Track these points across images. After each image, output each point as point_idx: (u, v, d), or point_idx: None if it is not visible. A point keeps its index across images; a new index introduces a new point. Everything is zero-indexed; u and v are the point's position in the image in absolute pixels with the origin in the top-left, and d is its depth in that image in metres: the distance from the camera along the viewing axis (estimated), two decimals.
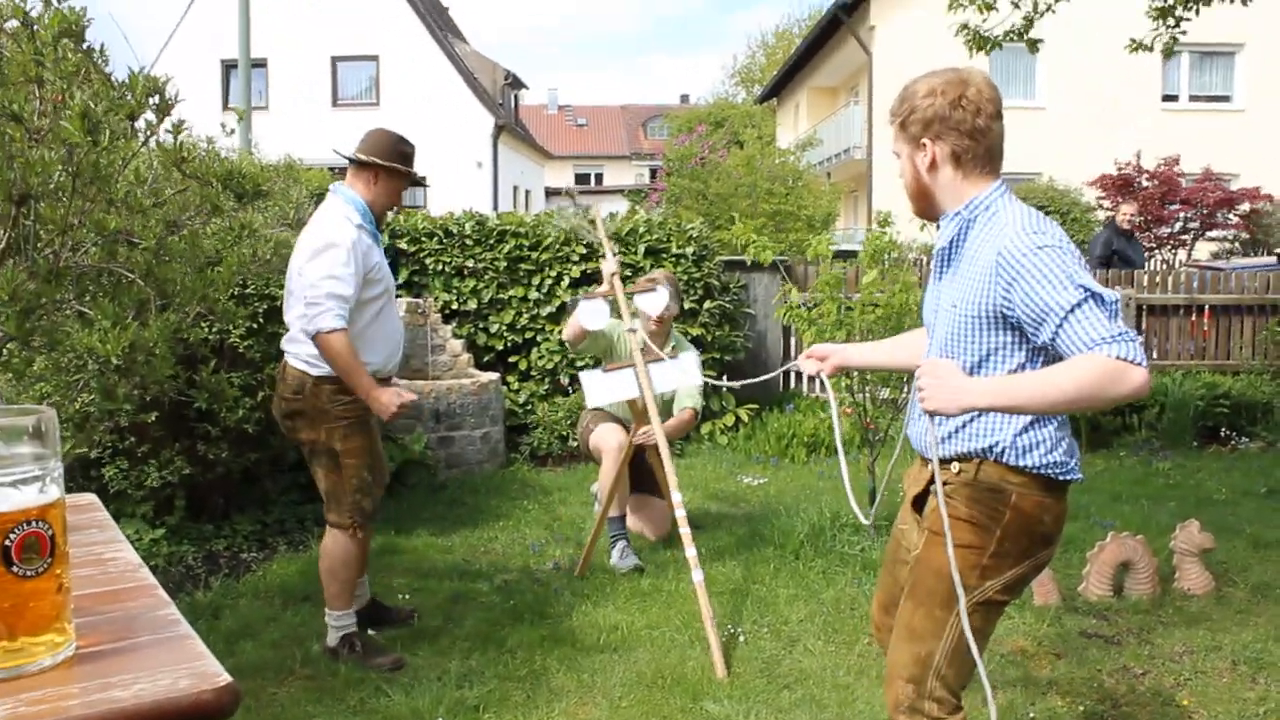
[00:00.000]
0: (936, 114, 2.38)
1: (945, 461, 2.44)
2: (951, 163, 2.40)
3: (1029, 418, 2.32)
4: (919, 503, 2.56)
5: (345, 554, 4.12)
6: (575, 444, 8.04)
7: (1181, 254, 17.46)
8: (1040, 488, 2.36)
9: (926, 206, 2.52)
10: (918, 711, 2.44)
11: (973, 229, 2.40)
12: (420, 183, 4.32)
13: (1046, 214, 12.99)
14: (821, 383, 2.92)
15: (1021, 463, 2.34)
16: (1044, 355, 2.29)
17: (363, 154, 4.12)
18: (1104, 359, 2.08)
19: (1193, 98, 23.43)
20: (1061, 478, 2.37)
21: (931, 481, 2.42)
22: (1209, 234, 17.54)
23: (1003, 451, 2.35)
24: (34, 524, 1.06)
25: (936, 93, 2.39)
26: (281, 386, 4.13)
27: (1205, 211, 17.02)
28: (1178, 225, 17.31)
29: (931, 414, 2.25)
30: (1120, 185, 17.08)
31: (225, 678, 1.02)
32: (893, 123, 2.52)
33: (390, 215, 8.90)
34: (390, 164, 4.12)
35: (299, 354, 4.03)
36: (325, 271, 3.89)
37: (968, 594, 2.36)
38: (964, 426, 2.41)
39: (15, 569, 1.04)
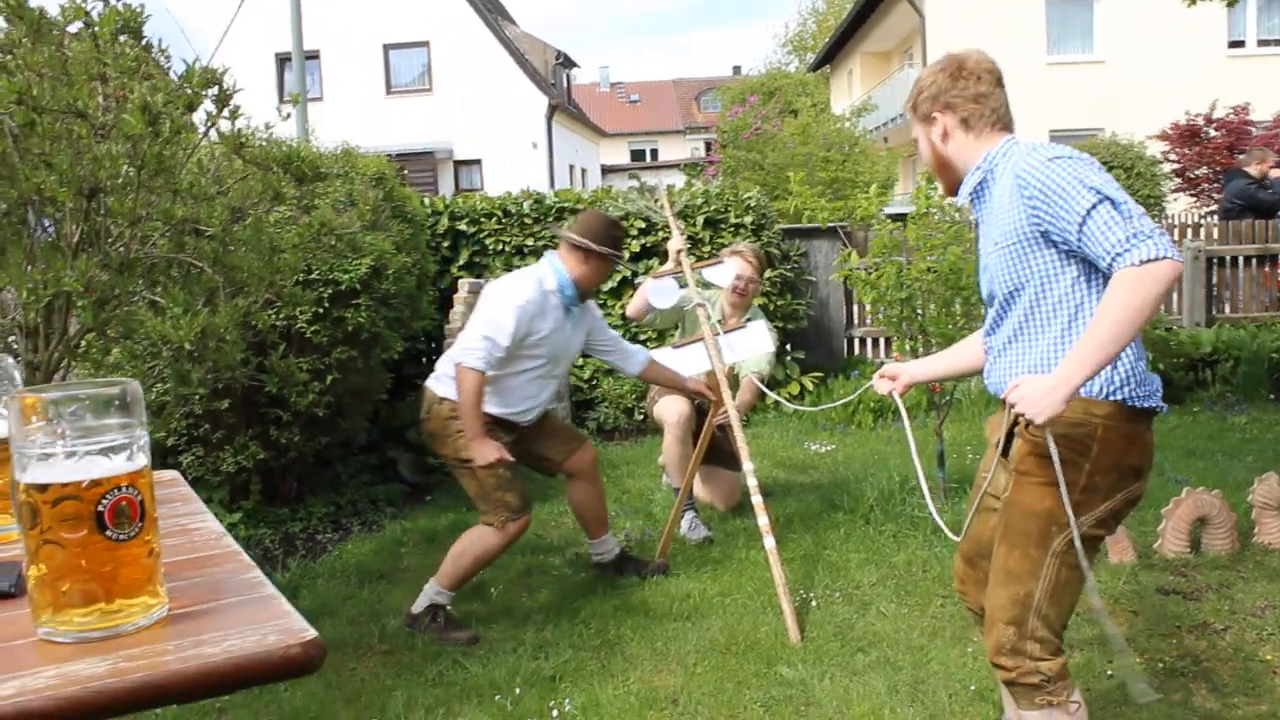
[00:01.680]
0: (940, 88, 2.60)
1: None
2: (962, 128, 2.58)
3: None
4: (1004, 448, 2.57)
5: (485, 547, 4.21)
6: (641, 417, 8.08)
7: None
8: (1125, 418, 2.37)
9: (950, 178, 2.68)
10: (1020, 653, 2.45)
11: (994, 177, 2.53)
12: (622, 262, 4.55)
13: (1109, 169, 12.75)
14: (896, 402, 2.99)
15: (1100, 393, 2.36)
16: (1092, 269, 2.36)
17: (575, 234, 4.30)
18: (1131, 272, 2.16)
19: (1261, 42, 22.80)
20: (1143, 404, 2.39)
21: (1015, 424, 2.45)
22: None
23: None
24: (124, 490, 1.10)
25: (937, 72, 2.62)
26: (421, 409, 4.35)
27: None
28: None
29: (1048, 423, 2.27)
30: (1188, 136, 16.69)
31: (311, 633, 1.06)
32: (905, 110, 2.73)
33: (450, 199, 8.97)
34: (601, 249, 4.27)
35: (437, 372, 4.27)
36: (490, 316, 4.13)
37: (1060, 530, 2.40)
38: (1034, 367, 2.44)
39: (109, 533, 1.09)
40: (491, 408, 4.22)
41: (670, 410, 5.39)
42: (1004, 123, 2.57)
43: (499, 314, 4.11)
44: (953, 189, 2.69)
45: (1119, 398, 2.36)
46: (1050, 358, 2.42)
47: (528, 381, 4.30)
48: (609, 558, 4.78)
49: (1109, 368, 2.33)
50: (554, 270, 4.30)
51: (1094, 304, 2.36)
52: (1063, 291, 2.39)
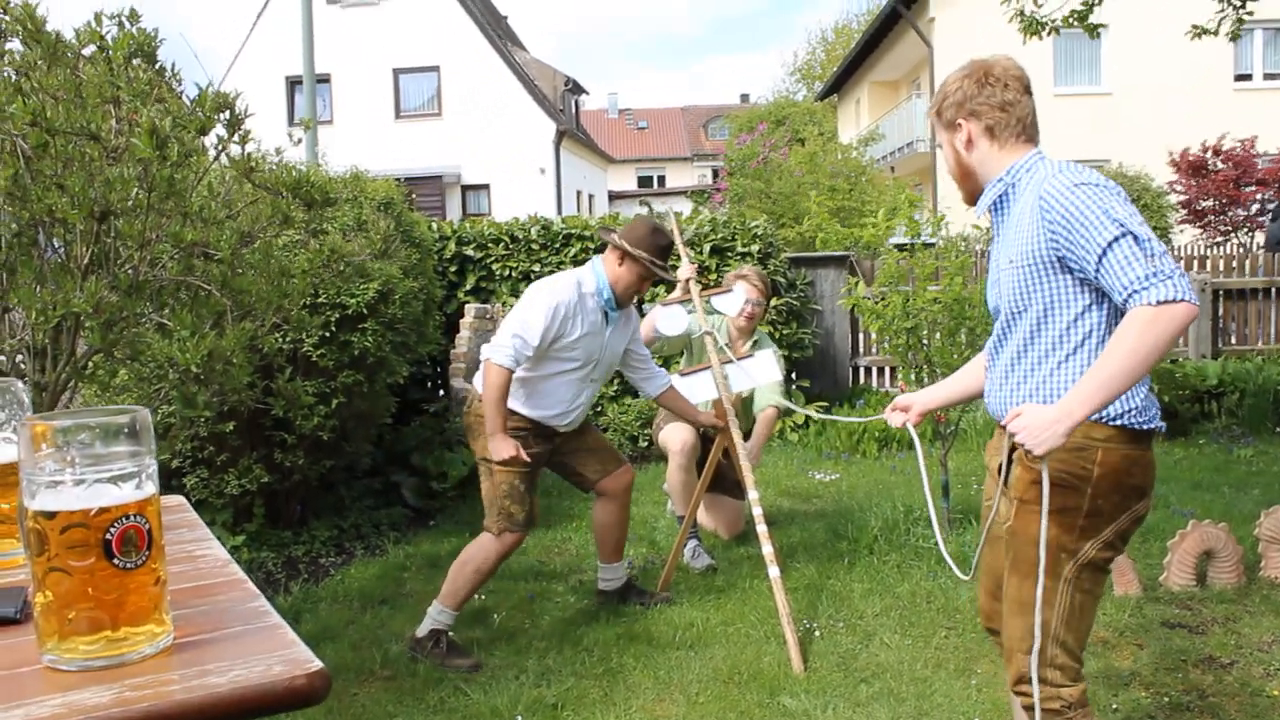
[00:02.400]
0: (966, 94, 2.54)
1: None
2: (986, 136, 2.53)
3: None
4: (1004, 476, 2.55)
5: (484, 555, 4.24)
6: (645, 444, 8.07)
7: (1259, 236, 17.07)
8: (1125, 440, 2.37)
9: (972, 186, 2.63)
10: (1041, 680, 2.45)
11: (1016, 191, 2.49)
12: (666, 279, 4.45)
13: None
14: (911, 435, 2.94)
15: (1101, 419, 2.35)
16: (1105, 298, 2.34)
17: (617, 237, 4.30)
18: (1146, 312, 2.15)
19: (1267, 75, 22.85)
20: (1144, 427, 2.38)
21: (1014, 450, 2.44)
22: None
23: None
24: (132, 518, 1.10)
25: (964, 77, 2.56)
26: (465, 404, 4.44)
27: None
28: (1254, 207, 16.93)
29: (1045, 455, 2.27)
30: (1195, 168, 16.74)
31: (317, 664, 1.06)
32: (930, 116, 2.67)
33: (457, 224, 8.99)
34: (636, 252, 4.23)
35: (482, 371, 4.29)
36: (522, 315, 4.13)
37: (1071, 557, 2.40)
38: (1037, 390, 2.43)
39: (116, 561, 1.09)
40: (527, 410, 4.25)
41: (675, 438, 5.38)
42: (1029, 134, 2.54)
43: (532, 313, 4.12)
44: (973, 198, 2.64)
45: (1120, 423, 2.35)
46: (1052, 385, 2.41)
47: (563, 384, 4.28)
48: (615, 585, 4.76)
49: None
50: (594, 273, 4.30)
51: (1101, 336, 2.35)
52: (1070, 319, 2.37)
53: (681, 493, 5.34)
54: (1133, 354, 2.15)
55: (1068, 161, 2.42)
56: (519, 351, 4.06)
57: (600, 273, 4.30)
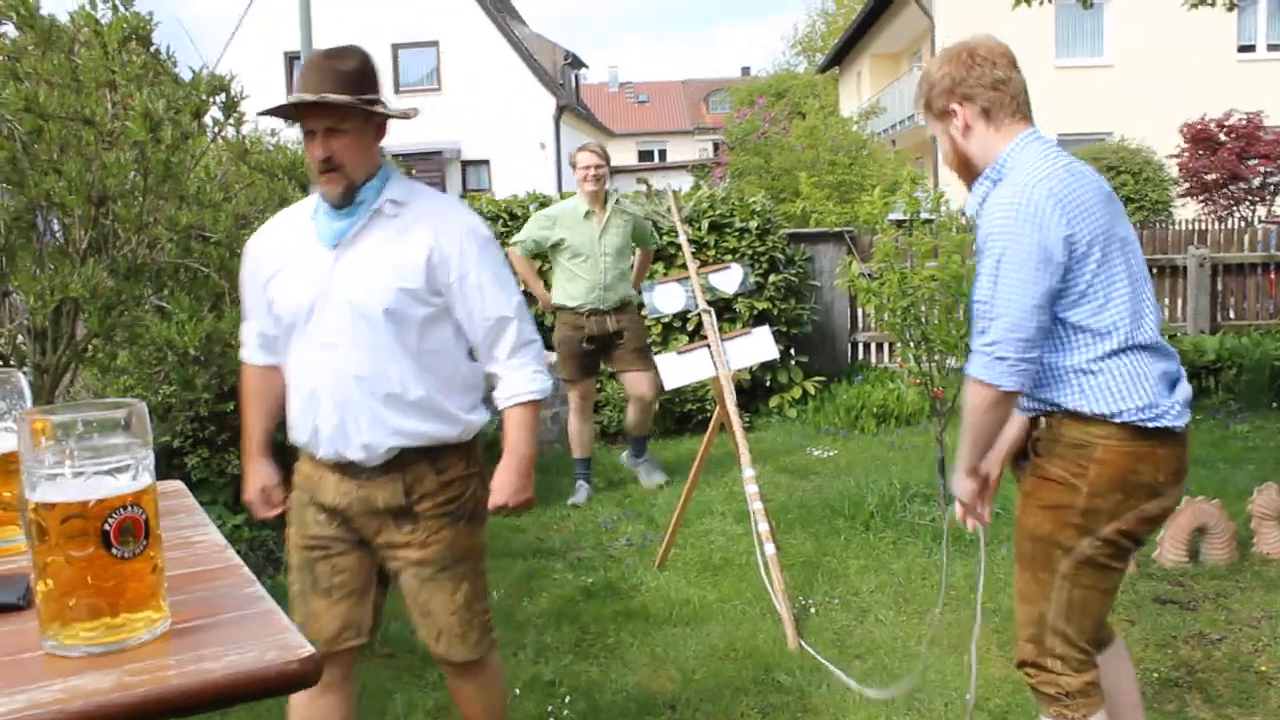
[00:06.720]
0: (955, 79, 2.47)
1: (1034, 418, 2.46)
2: (983, 119, 2.46)
3: (1086, 367, 2.32)
4: (1017, 460, 2.55)
5: None
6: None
7: (1261, 210, 17.03)
8: (1128, 437, 2.31)
9: (971, 175, 2.56)
10: (1041, 668, 2.50)
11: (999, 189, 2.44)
12: (304, 100, 2.47)
13: (1117, 174, 12.73)
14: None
15: (1096, 411, 2.31)
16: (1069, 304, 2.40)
17: None
18: (968, 381, 2.35)
19: (1271, 46, 22.72)
20: (1151, 424, 2.31)
21: (1028, 438, 2.49)
22: None
23: (1072, 402, 2.35)
24: (129, 509, 1.13)
25: (947, 62, 2.50)
26: None
27: None
28: (1257, 181, 16.87)
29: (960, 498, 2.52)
30: (1202, 139, 16.67)
31: (308, 649, 1.09)
32: (918, 108, 2.61)
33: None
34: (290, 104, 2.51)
35: None
36: None
37: (1066, 554, 2.38)
38: (1037, 384, 2.39)
39: (115, 551, 1.12)
40: None
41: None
42: (1024, 111, 2.45)
43: None
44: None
45: (1113, 413, 2.30)
46: (1042, 378, 2.40)
47: (290, 370, 2.69)
48: None
49: (1104, 390, 2.31)
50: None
51: (1064, 328, 2.36)
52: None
53: (577, 440, 6.32)
54: (966, 419, 2.36)
55: (1032, 162, 2.37)
56: (247, 339, 2.81)
57: None
